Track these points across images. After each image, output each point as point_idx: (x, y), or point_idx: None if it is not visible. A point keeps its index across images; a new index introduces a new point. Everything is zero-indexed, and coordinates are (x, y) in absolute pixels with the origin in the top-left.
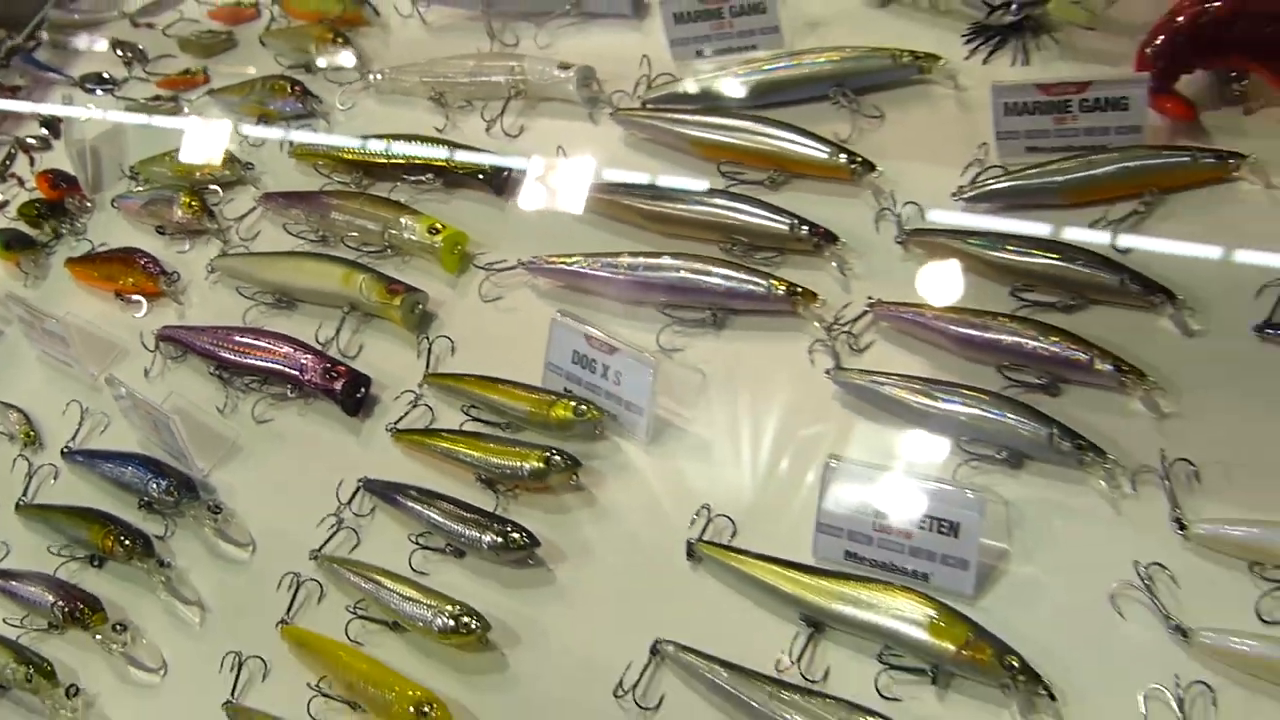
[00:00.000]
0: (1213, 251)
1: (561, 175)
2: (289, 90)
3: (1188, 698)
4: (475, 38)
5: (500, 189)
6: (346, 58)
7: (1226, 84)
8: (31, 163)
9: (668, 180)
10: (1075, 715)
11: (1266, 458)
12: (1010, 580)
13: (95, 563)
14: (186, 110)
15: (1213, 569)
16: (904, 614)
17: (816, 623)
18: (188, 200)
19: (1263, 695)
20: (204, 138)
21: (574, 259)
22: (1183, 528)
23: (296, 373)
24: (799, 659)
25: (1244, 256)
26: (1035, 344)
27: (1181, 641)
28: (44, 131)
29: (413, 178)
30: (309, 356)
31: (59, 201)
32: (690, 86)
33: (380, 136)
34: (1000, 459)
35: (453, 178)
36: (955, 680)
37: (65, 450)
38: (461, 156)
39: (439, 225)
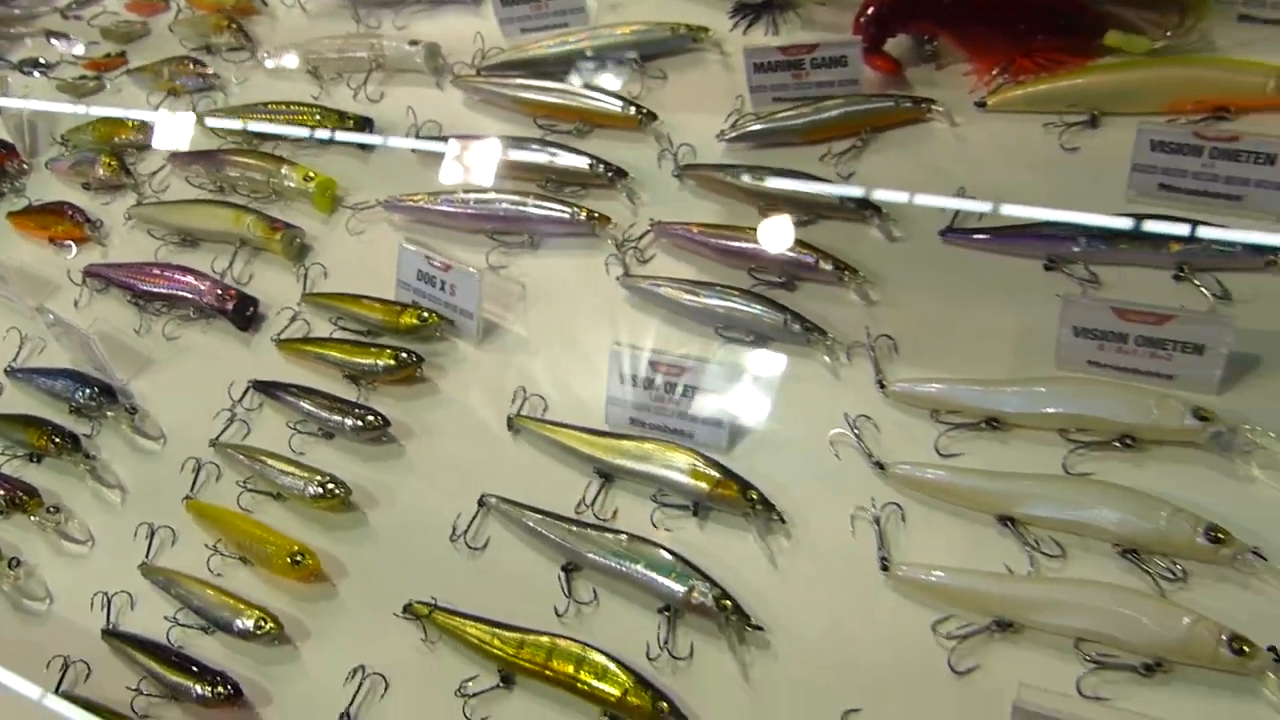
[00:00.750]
0: (911, 175)
1: (413, 131)
2: (192, 68)
3: (883, 515)
4: (345, 22)
5: (364, 144)
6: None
7: (922, 45)
8: None
9: (497, 132)
10: (800, 533)
11: (946, 331)
12: (754, 434)
13: (33, 459)
14: (108, 87)
15: (906, 418)
16: (672, 464)
17: (607, 475)
18: (108, 161)
19: (939, 510)
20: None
21: (420, 197)
22: (884, 387)
23: (197, 298)
24: (593, 503)
25: (933, 178)
26: (776, 250)
27: (881, 474)
28: None
29: (292, 136)
30: (207, 284)
31: (1, 165)
32: (516, 57)
33: (267, 104)
34: (749, 341)
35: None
36: (712, 513)
37: (8, 369)
38: (332, 118)
39: (313, 174)
